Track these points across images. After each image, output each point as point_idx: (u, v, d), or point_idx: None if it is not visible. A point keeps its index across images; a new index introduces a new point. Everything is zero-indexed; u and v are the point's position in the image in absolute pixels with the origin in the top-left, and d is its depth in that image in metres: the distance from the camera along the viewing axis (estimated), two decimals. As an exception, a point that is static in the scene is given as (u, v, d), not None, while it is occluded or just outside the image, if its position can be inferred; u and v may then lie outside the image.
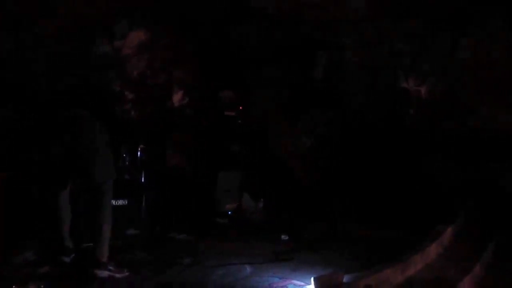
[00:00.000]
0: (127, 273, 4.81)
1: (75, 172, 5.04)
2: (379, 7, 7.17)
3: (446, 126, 7.51)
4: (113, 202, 5.28)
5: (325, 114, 7.39)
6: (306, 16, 7.32)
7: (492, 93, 7.23)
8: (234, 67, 7.33)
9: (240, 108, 7.12)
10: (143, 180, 6.30)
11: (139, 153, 6.52)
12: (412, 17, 7.25)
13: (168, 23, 7.17)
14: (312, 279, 4.38)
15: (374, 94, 7.45)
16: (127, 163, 6.31)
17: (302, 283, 4.66)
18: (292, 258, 5.42)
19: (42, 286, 4.43)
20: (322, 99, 7.43)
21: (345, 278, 4.48)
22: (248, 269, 5.06)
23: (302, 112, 7.45)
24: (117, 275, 4.77)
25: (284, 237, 6.17)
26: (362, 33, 7.31)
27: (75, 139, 4.95)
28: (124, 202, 5.72)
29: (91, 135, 4.97)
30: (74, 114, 5.07)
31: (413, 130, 7.43)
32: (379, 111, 7.44)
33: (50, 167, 5.11)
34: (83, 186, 5.17)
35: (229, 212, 6.91)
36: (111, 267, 4.80)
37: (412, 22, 7.26)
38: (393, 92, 7.47)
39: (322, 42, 7.46)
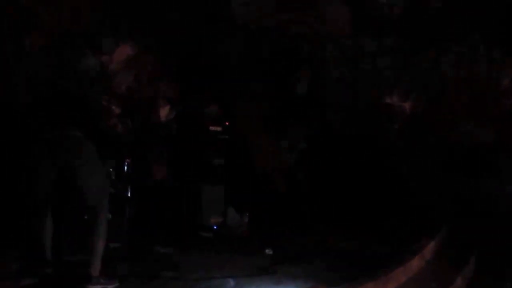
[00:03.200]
0: (117, 284, 4.84)
1: (67, 194, 5.06)
2: (362, 24, 7.28)
3: (428, 140, 7.61)
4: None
5: (308, 129, 7.46)
6: (290, 32, 7.41)
7: (472, 108, 7.35)
8: (219, 82, 7.39)
9: (226, 123, 7.17)
10: (128, 194, 6.31)
11: (125, 167, 6.53)
12: (394, 34, 7.36)
13: (154, 38, 7.22)
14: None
15: (357, 109, 7.54)
16: (113, 177, 6.33)
17: (285, 297, 4.70)
18: (275, 271, 5.45)
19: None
20: (305, 114, 7.50)
21: (327, 292, 4.52)
22: (231, 282, 5.09)
23: (285, 127, 7.53)
24: (109, 287, 4.80)
25: (268, 251, 6.20)
26: (345, 49, 7.40)
27: (64, 161, 4.94)
28: (108, 216, 5.72)
29: (81, 155, 4.97)
30: (61, 134, 5.05)
31: (396, 144, 7.52)
32: (362, 126, 7.53)
33: (38, 187, 5.08)
34: (75, 206, 5.20)
35: (214, 226, 6.94)
36: (102, 280, 4.83)
37: (394, 39, 7.37)
38: (376, 108, 7.56)
39: (305, 57, 7.54)
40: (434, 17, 7.42)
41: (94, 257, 4.84)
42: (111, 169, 6.30)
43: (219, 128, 7.12)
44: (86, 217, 5.16)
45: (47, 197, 4.96)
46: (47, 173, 4.89)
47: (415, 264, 5.75)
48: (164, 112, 7.43)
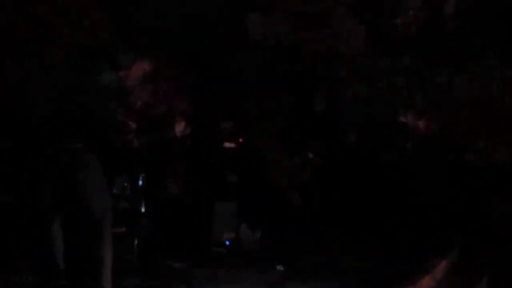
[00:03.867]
0: None
1: (70, 206, 5.11)
2: (377, 43, 7.32)
3: (444, 160, 7.60)
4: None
5: (322, 147, 7.50)
6: (306, 50, 7.46)
7: (487, 127, 7.34)
8: (234, 99, 7.45)
9: (240, 140, 7.24)
10: (142, 209, 6.39)
11: (140, 181, 6.62)
12: (409, 53, 7.39)
13: (170, 54, 7.31)
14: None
15: (372, 128, 7.56)
16: (128, 191, 6.42)
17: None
18: (285, 288, 5.49)
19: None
20: (320, 132, 7.54)
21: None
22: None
23: (299, 144, 7.56)
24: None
25: (279, 267, 6.23)
26: (360, 68, 7.44)
27: (66, 173, 4.99)
28: (121, 230, 5.80)
29: (84, 168, 5.02)
30: (64, 146, 5.11)
31: (411, 163, 7.53)
32: (376, 144, 7.54)
33: (42, 201, 5.15)
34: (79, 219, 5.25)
35: (226, 242, 6.99)
36: None
37: (409, 58, 7.39)
38: (391, 126, 7.58)
39: (321, 75, 7.58)
40: (449, 36, 7.43)
41: (103, 271, 4.89)
42: (125, 184, 6.39)
43: (233, 145, 7.19)
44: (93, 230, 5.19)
45: (53, 210, 5.03)
46: (50, 186, 4.96)
47: (426, 283, 5.74)
48: (179, 127, 7.51)
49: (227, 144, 7.19)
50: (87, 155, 4.96)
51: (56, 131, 5.31)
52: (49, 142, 5.16)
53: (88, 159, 4.94)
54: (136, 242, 5.96)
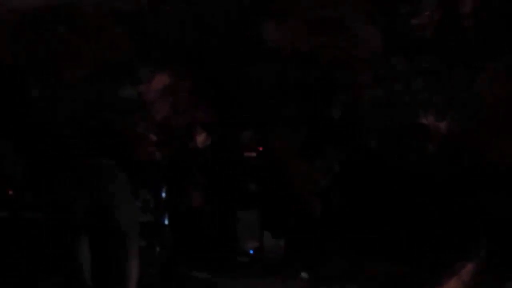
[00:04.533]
0: None
1: (99, 221, 5.18)
2: (394, 45, 7.28)
3: (466, 161, 7.52)
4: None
5: (341, 152, 7.47)
6: (323, 56, 7.45)
7: (510, 127, 7.24)
8: (253, 107, 7.47)
9: (260, 148, 7.25)
10: (166, 221, 6.43)
11: (162, 194, 6.66)
12: (428, 54, 7.34)
13: (189, 66, 7.36)
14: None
15: (391, 131, 7.51)
16: (151, 205, 6.47)
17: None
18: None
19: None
20: (339, 137, 7.52)
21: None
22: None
23: (318, 150, 7.55)
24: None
25: (304, 274, 6.21)
26: (378, 70, 7.40)
27: (96, 188, 5.07)
28: (144, 243, 5.84)
29: (115, 183, 5.09)
30: (94, 162, 5.20)
31: (432, 164, 7.45)
32: (396, 146, 7.49)
33: (70, 216, 5.22)
34: (107, 233, 5.31)
35: (250, 251, 7.00)
36: None
37: (428, 59, 7.34)
38: (411, 128, 7.52)
39: (338, 80, 7.57)
40: (467, 35, 7.36)
41: (131, 284, 4.96)
42: (147, 197, 6.44)
43: (253, 154, 7.21)
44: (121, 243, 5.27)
45: (82, 224, 5.10)
46: (81, 200, 5.03)
47: (452, 286, 5.67)
48: (200, 138, 7.55)
49: (248, 154, 7.21)
50: (116, 170, 5.04)
51: (81, 147, 5.40)
52: (76, 157, 5.24)
53: (117, 174, 5.02)
54: (158, 254, 5.99)
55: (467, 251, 6.49)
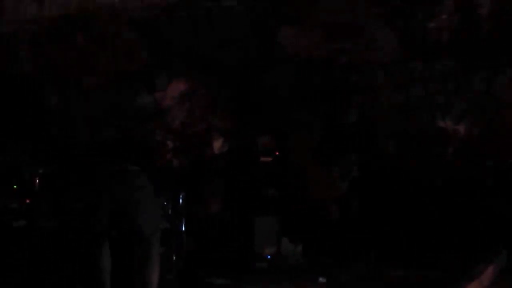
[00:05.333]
0: None
1: (122, 227, 5.19)
2: (412, 49, 7.25)
3: (487, 164, 7.47)
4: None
5: (360, 157, 7.45)
6: (340, 61, 7.44)
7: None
8: (269, 113, 7.47)
9: (277, 153, 7.24)
10: (183, 227, 6.44)
11: (180, 200, 6.67)
12: (445, 58, 7.29)
13: (205, 73, 7.38)
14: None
15: (409, 135, 7.47)
16: (169, 211, 6.48)
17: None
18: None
19: None
20: (357, 142, 7.50)
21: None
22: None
23: (336, 156, 7.53)
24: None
25: (322, 279, 6.20)
26: (395, 75, 7.37)
27: (122, 194, 5.09)
28: (162, 250, 5.84)
29: (140, 189, 5.11)
30: (120, 168, 5.22)
31: (452, 168, 7.41)
32: (415, 151, 7.45)
33: (95, 221, 5.23)
34: (130, 238, 5.32)
35: (268, 257, 6.99)
36: None
37: (445, 62, 7.30)
38: (430, 132, 7.48)
39: (355, 85, 7.55)
40: (485, 39, 7.31)
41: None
42: (165, 203, 6.45)
43: (269, 159, 7.21)
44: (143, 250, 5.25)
45: (104, 230, 5.12)
46: (106, 207, 5.06)
47: (472, 290, 5.63)
48: (217, 145, 7.57)
49: (265, 159, 7.21)
50: (142, 177, 5.07)
51: (101, 154, 5.43)
52: (96, 164, 5.28)
53: (143, 180, 5.06)
54: (176, 261, 6.00)
55: (487, 255, 6.44)
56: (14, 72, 6.41)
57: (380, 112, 7.51)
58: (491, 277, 6.07)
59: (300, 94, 7.50)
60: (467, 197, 7.35)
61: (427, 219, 7.08)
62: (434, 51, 7.33)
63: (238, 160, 7.31)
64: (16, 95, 6.39)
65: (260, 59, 7.40)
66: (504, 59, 7.37)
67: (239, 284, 6.09)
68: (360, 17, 7.30)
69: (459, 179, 7.39)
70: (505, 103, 7.42)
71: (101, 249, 5.16)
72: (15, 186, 6.02)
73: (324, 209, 7.47)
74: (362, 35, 7.38)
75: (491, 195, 7.33)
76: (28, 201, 5.59)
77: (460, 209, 7.25)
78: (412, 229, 6.98)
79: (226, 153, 7.51)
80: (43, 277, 5.34)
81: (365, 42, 7.36)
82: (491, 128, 7.52)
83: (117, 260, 5.30)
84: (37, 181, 5.59)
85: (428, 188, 7.32)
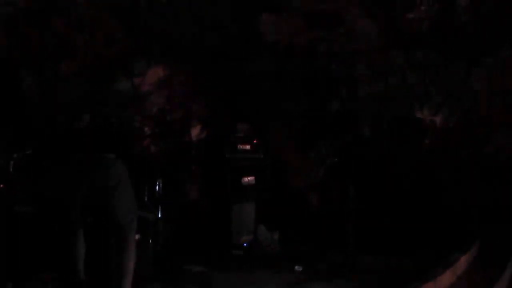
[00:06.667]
0: None
1: (98, 214, 5.16)
2: (390, 38, 7.27)
3: (462, 154, 7.53)
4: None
5: (335, 144, 7.47)
6: (320, 49, 7.44)
7: (505, 120, 7.25)
8: (249, 101, 7.46)
9: (255, 141, 7.22)
10: (160, 215, 6.41)
11: (157, 187, 6.64)
12: (424, 48, 7.33)
13: (184, 59, 7.34)
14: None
15: (387, 125, 7.51)
16: (146, 198, 6.44)
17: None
18: (304, 288, 5.48)
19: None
20: (334, 130, 7.52)
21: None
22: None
23: (313, 143, 7.55)
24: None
25: (298, 268, 6.22)
26: (374, 64, 7.40)
27: (98, 182, 5.04)
28: (139, 236, 5.81)
29: (116, 177, 5.07)
30: (96, 155, 5.17)
31: (427, 158, 7.47)
32: (392, 140, 7.50)
33: (70, 208, 5.18)
34: (105, 226, 5.28)
35: (245, 244, 6.98)
36: None
37: (424, 52, 7.33)
38: (406, 122, 7.53)
39: (335, 74, 7.56)
40: (464, 30, 7.35)
41: (126, 278, 4.94)
42: (144, 191, 6.41)
43: (247, 147, 7.19)
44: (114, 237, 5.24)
45: (79, 218, 5.08)
46: (81, 194, 5.01)
47: (446, 279, 5.68)
48: (195, 132, 7.54)
49: (243, 146, 7.19)
50: (118, 164, 5.02)
51: (78, 140, 5.37)
52: (73, 151, 5.22)
53: (119, 167, 5.00)
54: (152, 248, 5.97)
55: (461, 245, 6.50)
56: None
57: (359, 101, 7.54)
58: (464, 267, 6.14)
59: (280, 81, 7.50)
60: (443, 186, 7.41)
61: (403, 208, 7.13)
62: (413, 41, 7.37)
63: (217, 148, 7.29)
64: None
65: (240, 46, 7.38)
66: (481, 50, 7.43)
67: (215, 271, 6.09)
68: (340, 6, 7.32)
69: (436, 169, 7.46)
70: (482, 94, 7.49)
71: (76, 237, 5.12)
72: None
73: (303, 196, 7.49)
74: (342, 24, 7.39)
75: (467, 185, 7.40)
76: (2, 186, 5.51)
77: (436, 198, 7.32)
78: (388, 218, 7.03)
79: (204, 140, 7.50)
80: (17, 263, 5.28)
81: (345, 31, 7.38)
82: (466, 118, 7.59)
83: (93, 248, 5.26)
84: (11, 166, 5.50)
85: (404, 178, 7.37)
